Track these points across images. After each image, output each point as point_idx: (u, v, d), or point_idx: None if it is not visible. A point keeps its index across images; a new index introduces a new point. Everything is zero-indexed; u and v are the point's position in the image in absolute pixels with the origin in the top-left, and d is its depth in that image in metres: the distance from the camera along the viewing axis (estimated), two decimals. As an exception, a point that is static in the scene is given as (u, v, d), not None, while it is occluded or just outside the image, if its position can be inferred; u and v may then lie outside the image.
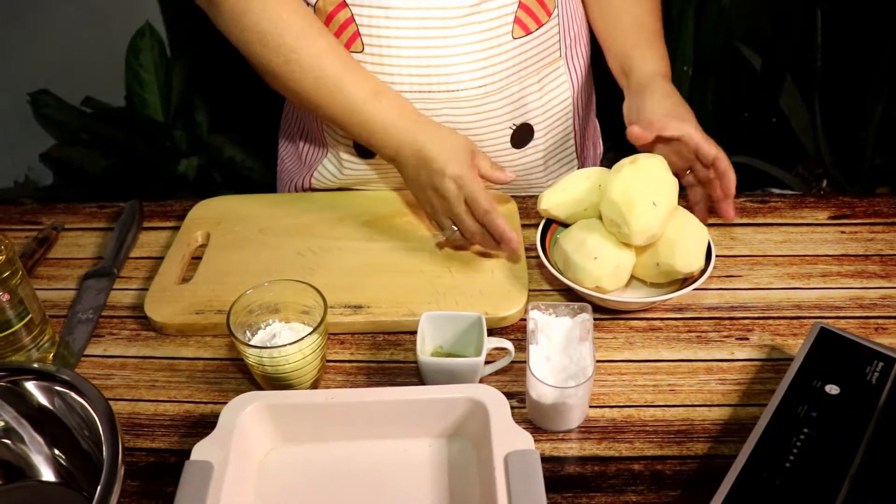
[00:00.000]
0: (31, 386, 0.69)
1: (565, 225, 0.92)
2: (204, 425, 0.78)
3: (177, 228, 1.02)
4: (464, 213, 0.87)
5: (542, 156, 1.06)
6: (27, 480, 0.70)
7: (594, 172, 0.90)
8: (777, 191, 1.55)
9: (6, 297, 0.79)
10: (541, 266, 0.92)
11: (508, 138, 1.01)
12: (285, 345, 0.73)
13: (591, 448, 0.75)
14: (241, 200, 1.04)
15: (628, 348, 0.85)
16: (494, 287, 0.88)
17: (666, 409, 0.78)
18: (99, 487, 0.59)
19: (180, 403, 0.80)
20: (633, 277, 0.89)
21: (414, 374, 0.82)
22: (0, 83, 1.61)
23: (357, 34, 0.92)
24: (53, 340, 0.86)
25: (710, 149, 0.88)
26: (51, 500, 0.71)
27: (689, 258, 0.84)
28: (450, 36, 0.92)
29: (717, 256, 0.89)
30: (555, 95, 1.04)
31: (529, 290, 0.89)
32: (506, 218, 0.86)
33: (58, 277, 0.97)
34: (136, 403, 0.80)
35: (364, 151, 1.02)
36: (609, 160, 1.03)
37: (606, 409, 0.78)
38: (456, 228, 0.89)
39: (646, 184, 0.82)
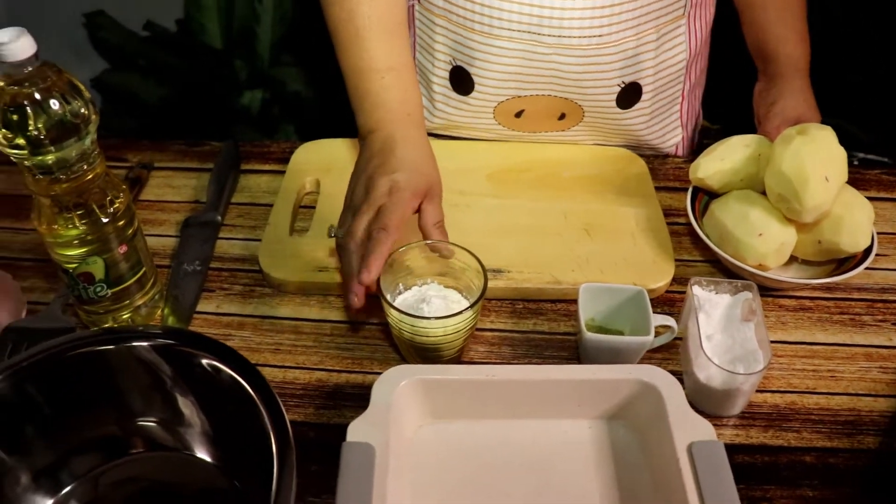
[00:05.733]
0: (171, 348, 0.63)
1: (710, 193, 0.86)
2: (341, 397, 0.72)
3: (277, 172, 0.95)
4: (365, 214, 0.75)
5: (646, 120, 0.99)
6: (175, 452, 0.65)
7: (752, 141, 0.83)
8: (861, 155, 1.50)
9: (123, 249, 0.72)
10: (690, 234, 0.87)
11: (615, 97, 0.94)
12: (447, 316, 0.68)
13: (758, 436, 0.70)
14: (349, 145, 0.96)
15: (781, 328, 0.79)
16: (639, 256, 0.82)
17: (829, 396, 0.74)
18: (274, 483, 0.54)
19: (311, 371, 0.75)
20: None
21: (561, 347, 0.77)
22: (53, 3, 1.49)
23: None
24: (161, 294, 0.80)
25: None
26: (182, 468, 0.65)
27: (856, 237, 0.78)
28: None
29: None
30: (670, 56, 0.96)
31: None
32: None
33: (154, 222, 0.90)
34: (262, 369, 0.73)
35: (461, 84, 0.95)
36: (716, 134, 0.97)
37: (768, 394, 0.74)
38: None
39: (818, 157, 0.75)
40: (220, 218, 0.88)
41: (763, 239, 0.77)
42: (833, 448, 0.70)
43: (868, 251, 0.80)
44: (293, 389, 0.73)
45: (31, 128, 0.62)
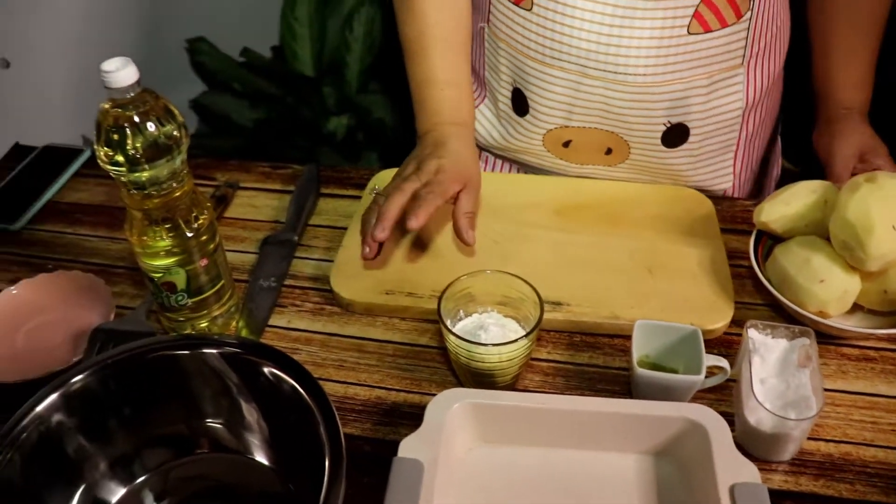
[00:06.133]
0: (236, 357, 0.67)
1: (774, 237, 0.86)
2: (398, 415, 0.76)
3: (355, 197, 0.99)
4: (412, 182, 0.87)
5: (692, 162, 0.99)
6: (237, 454, 0.69)
7: (819, 187, 0.83)
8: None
9: (204, 262, 0.78)
10: (752, 277, 0.87)
11: (660, 135, 0.96)
12: (502, 343, 0.70)
13: (808, 484, 0.70)
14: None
15: (841, 377, 0.79)
16: (699, 296, 0.83)
17: (888, 450, 0.73)
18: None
19: (371, 388, 0.78)
20: (850, 302, 0.82)
21: (614, 382, 0.78)
22: (158, 29, 1.60)
23: None
24: (238, 306, 0.85)
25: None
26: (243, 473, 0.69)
27: (924, 289, 0.77)
28: (625, 16, 0.87)
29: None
30: (722, 103, 0.96)
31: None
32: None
33: (235, 238, 0.96)
34: (325, 383, 0.78)
35: (519, 106, 1.00)
36: (793, 176, 0.97)
37: (822, 443, 0.73)
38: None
39: (885, 205, 0.75)
40: (297, 238, 0.93)
41: (824, 286, 0.77)
42: None
43: (937, 304, 0.79)
44: (353, 404, 0.77)
45: (129, 147, 0.68)
